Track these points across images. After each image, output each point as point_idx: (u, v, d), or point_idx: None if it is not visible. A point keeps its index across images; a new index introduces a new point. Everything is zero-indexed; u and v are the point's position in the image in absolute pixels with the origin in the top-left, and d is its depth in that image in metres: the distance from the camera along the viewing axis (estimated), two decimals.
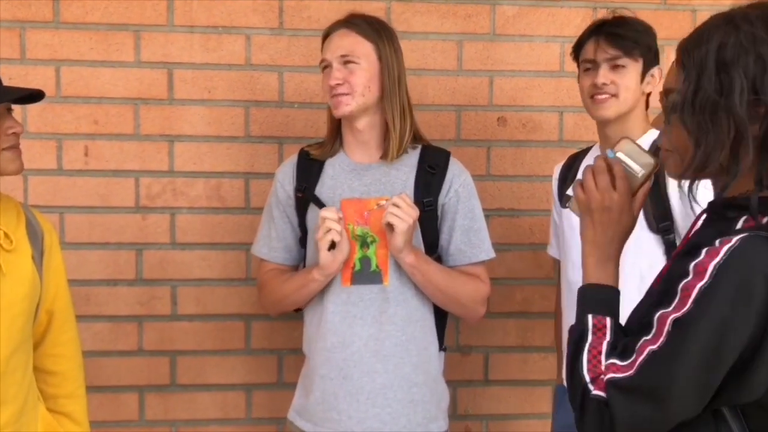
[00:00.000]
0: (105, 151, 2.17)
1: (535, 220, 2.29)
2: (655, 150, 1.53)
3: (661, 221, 1.60)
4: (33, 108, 2.11)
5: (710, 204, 1.07)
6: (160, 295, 2.20)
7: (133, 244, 2.19)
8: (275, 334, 2.23)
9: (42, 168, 2.14)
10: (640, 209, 1.14)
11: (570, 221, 1.78)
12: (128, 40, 2.16)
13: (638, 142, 1.15)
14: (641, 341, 1.00)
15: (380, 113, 1.76)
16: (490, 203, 2.27)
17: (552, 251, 1.95)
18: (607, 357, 1.04)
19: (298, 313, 1.87)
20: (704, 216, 1.08)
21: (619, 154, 1.13)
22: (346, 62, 1.71)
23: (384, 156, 1.75)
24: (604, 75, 1.68)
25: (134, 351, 2.19)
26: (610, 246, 1.12)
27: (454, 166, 1.80)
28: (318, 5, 2.20)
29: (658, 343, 0.98)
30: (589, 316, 1.08)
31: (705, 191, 1.37)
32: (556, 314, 1.93)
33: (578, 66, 1.77)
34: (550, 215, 2.01)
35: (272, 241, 1.82)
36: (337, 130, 1.81)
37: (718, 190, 1.05)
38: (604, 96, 1.69)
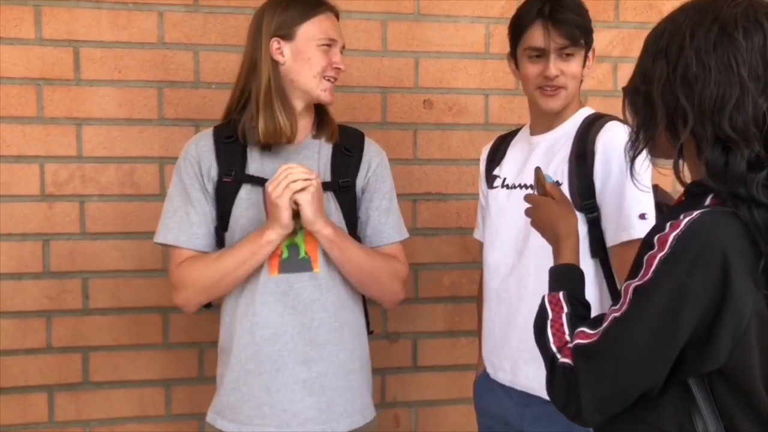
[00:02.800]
0: (6, 136, 2.02)
1: (462, 204, 2.26)
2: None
3: (585, 199, 1.60)
4: None
5: (686, 185, 1.12)
6: (70, 289, 2.07)
7: (39, 234, 2.05)
8: (195, 327, 2.14)
9: None
10: (562, 196, 1.40)
11: (497, 202, 1.75)
12: (27, 16, 2.01)
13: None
14: (610, 311, 1.05)
15: None
16: (417, 187, 2.24)
17: (478, 234, 1.92)
18: (571, 326, 1.12)
19: (211, 308, 1.77)
20: (681, 198, 1.14)
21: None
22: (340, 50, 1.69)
23: (322, 137, 1.72)
24: (555, 66, 1.61)
25: (42, 348, 2.06)
26: (553, 234, 1.31)
27: (370, 147, 1.77)
28: None
29: (621, 311, 1.03)
30: (545, 296, 1.19)
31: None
32: (478, 299, 1.91)
33: (513, 47, 1.70)
34: (478, 199, 1.98)
35: (193, 226, 1.67)
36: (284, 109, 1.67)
37: (673, 170, 1.11)
38: (554, 89, 1.64)
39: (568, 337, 1.10)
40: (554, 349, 1.10)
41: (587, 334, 1.06)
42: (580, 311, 1.16)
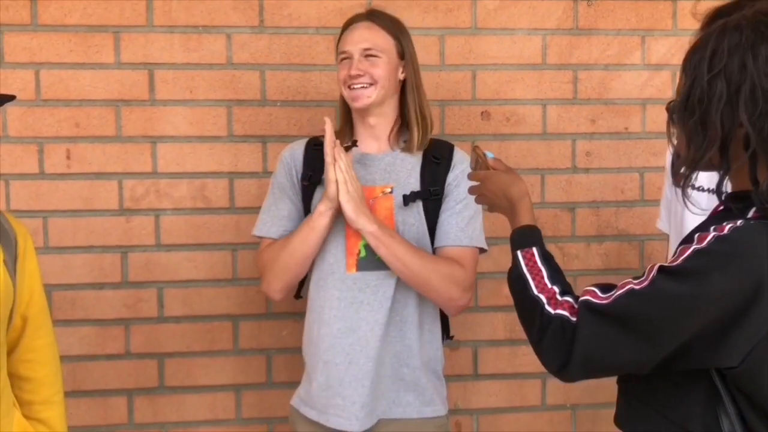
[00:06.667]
0: (87, 154, 2.15)
1: None
2: None
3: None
4: (13, 112, 2.10)
5: (724, 197, 1.11)
6: (146, 298, 2.19)
7: (118, 246, 2.17)
8: (263, 334, 2.22)
9: (24, 172, 2.12)
10: (506, 166, 1.41)
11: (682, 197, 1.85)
12: (108, 42, 2.14)
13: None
14: (627, 282, 1.06)
15: (393, 108, 1.80)
16: None
17: (661, 225, 2.00)
18: (552, 279, 1.15)
19: (299, 300, 1.88)
20: (719, 207, 1.13)
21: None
22: (368, 55, 1.75)
23: (408, 149, 1.79)
24: None
25: (122, 354, 2.18)
26: (507, 201, 1.32)
27: (457, 154, 1.84)
28: (298, 3, 2.19)
29: (641, 285, 1.03)
30: (518, 252, 1.22)
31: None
32: None
33: None
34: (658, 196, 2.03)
35: (283, 220, 1.80)
36: (350, 121, 1.84)
37: (716, 186, 1.10)
38: None
39: (555, 288, 1.12)
40: (544, 299, 1.11)
41: (597, 296, 1.07)
42: (555, 265, 1.18)
